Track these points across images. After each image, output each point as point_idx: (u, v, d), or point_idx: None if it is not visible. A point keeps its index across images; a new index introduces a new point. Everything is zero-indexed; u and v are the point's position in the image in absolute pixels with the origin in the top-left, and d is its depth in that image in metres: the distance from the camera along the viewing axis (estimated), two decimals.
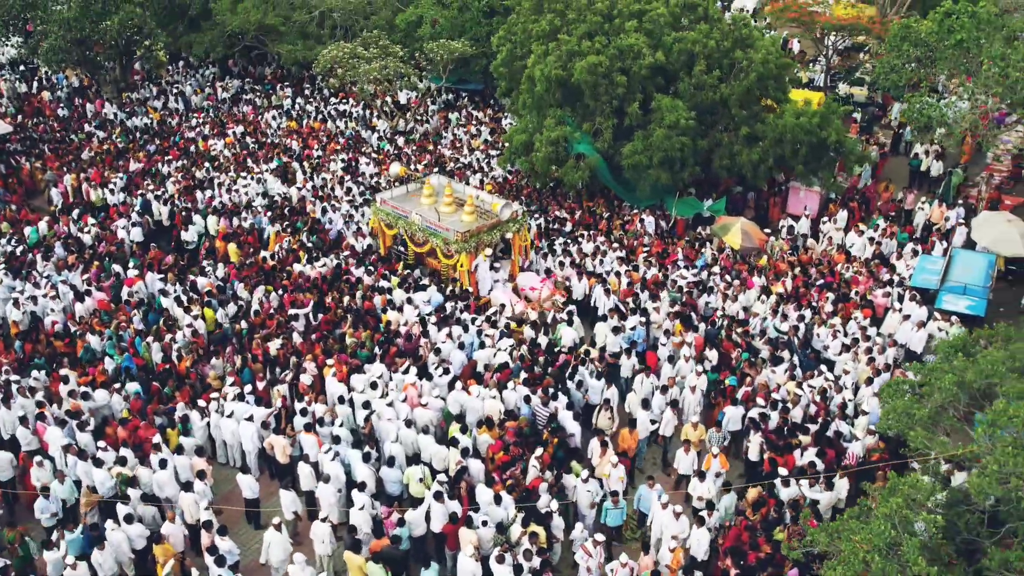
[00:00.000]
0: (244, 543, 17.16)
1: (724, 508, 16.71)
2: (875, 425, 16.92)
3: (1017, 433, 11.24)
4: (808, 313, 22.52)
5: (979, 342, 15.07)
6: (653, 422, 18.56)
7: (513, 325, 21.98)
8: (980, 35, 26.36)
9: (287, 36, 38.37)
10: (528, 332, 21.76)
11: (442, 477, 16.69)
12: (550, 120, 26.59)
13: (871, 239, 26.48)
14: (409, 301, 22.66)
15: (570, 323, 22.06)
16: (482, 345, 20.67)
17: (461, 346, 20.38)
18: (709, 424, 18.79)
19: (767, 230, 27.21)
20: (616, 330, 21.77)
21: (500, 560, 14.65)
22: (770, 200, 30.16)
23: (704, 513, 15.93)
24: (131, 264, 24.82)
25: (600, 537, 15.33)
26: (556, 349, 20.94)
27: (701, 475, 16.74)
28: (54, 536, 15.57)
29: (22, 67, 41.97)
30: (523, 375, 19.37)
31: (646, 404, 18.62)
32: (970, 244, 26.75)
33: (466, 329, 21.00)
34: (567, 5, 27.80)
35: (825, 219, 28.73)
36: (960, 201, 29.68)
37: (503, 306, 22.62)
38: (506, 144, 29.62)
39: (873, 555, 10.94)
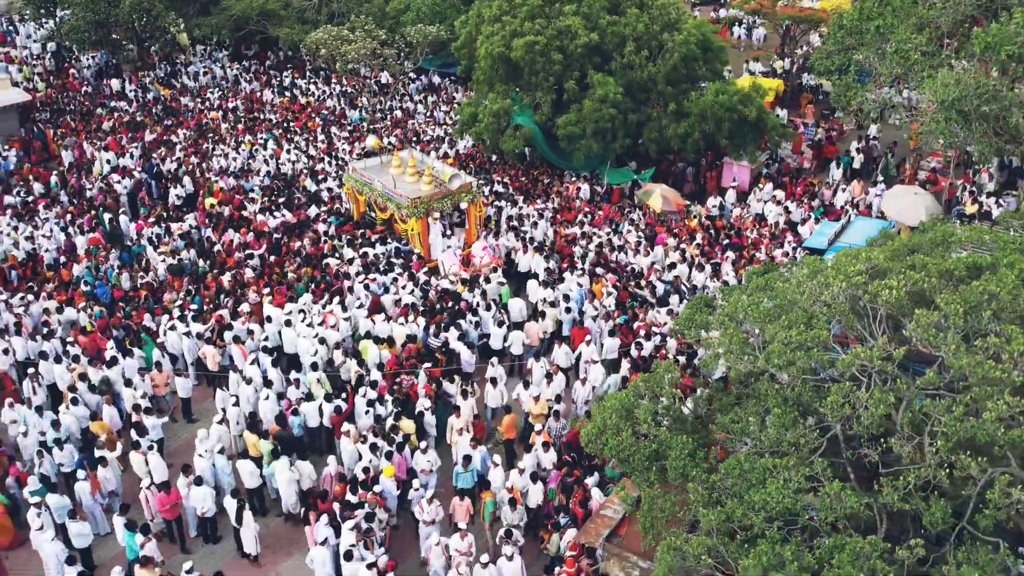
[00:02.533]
0: (176, 432, 20.49)
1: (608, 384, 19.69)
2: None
3: (740, 320, 13.87)
4: (709, 268, 25.09)
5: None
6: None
7: (460, 288, 24.69)
8: (895, 21, 28.58)
9: (287, 21, 41.87)
10: (465, 292, 24.15)
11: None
12: (493, 94, 29.50)
13: (785, 208, 28.90)
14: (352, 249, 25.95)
15: (518, 293, 24.45)
16: (387, 290, 23.67)
17: (366, 286, 23.43)
18: None
19: (687, 201, 29.82)
20: (545, 284, 24.24)
21: (363, 440, 17.72)
22: (707, 174, 32.74)
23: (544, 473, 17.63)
24: (142, 212, 29.05)
25: (427, 493, 16.94)
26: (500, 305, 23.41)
27: (529, 448, 18.19)
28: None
29: (54, 46, 46.10)
30: (421, 309, 22.49)
31: (494, 382, 20.06)
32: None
33: (384, 274, 24.26)
34: None
35: (758, 189, 31.21)
36: (881, 178, 31.84)
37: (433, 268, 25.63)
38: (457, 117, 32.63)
39: (613, 416, 13.66)
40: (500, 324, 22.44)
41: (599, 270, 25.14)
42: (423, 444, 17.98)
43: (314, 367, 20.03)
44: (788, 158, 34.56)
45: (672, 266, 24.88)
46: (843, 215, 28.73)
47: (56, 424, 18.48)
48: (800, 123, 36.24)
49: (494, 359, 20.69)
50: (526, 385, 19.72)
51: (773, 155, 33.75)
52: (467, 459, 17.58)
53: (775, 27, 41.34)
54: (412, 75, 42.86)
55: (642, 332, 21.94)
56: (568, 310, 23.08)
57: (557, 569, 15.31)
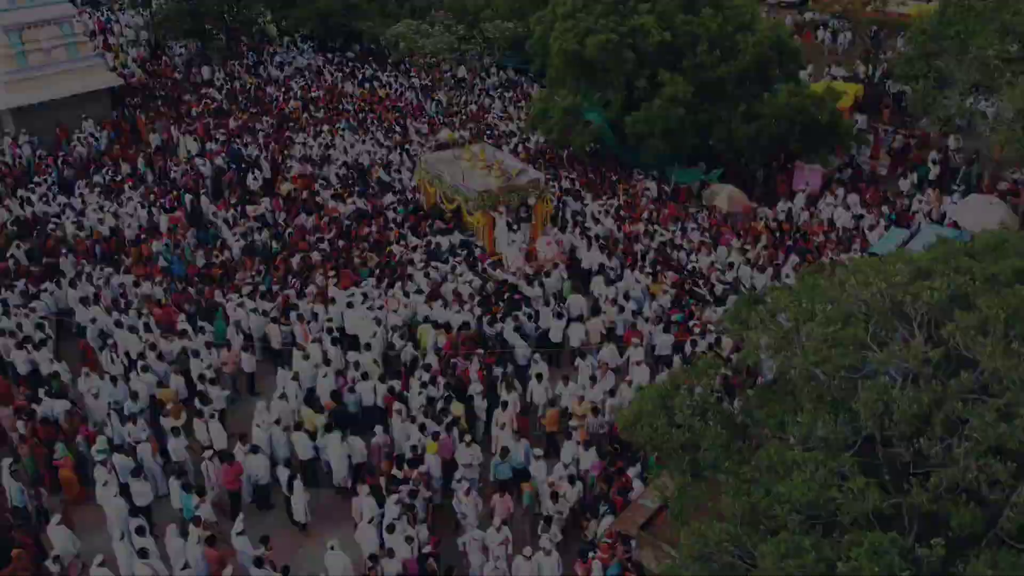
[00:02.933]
0: (239, 405, 21.33)
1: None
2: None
3: (782, 317, 13.93)
4: (770, 270, 25.00)
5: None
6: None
7: (521, 285, 25.08)
8: (977, 26, 27.98)
9: (370, 15, 42.94)
10: (524, 285, 24.45)
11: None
12: (563, 90, 29.84)
13: (857, 215, 28.56)
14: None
15: (584, 291, 24.65)
16: (445, 278, 24.19)
17: (427, 274, 24.03)
18: None
19: (754, 204, 29.73)
20: (608, 281, 24.49)
21: (412, 420, 18.28)
22: (778, 177, 32.52)
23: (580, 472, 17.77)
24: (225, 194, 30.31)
25: (465, 485, 17.13)
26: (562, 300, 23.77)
27: (568, 435, 18.52)
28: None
29: (146, 35, 48.12)
30: (478, 299, 22.96)
31: (540, 378, 20.25)
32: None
33: (446, 262, 24.90)
34: None
35: (829, 194, 30.91)
36: (959, 188, 31.18)
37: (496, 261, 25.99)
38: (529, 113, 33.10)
39: (649, 404, 13.89)
40: (559, 317, 22.72)
41: (658, 267, 25.29)
42: (467, 438, 18.15)
43: (367, 347, 20.66)
44: (863, 164, 34.08)
45: (731, 266, 24.87)
46: (913, 221, 28.27)
47: (135, 396, 19.43)
48: (880, 129, 35.68)
49: (537, 355, 20.96)
50: (565, 381, 19.96)
51: (849, 160, 33.31)
52: (505, 450, 17.84)
53: (858, 31, 40.70)
54: (493, 69, 43.52)
55: (696, 330, 22.02)
56: (621, 309, 23.10)
57: (591, 554, 15.59)
